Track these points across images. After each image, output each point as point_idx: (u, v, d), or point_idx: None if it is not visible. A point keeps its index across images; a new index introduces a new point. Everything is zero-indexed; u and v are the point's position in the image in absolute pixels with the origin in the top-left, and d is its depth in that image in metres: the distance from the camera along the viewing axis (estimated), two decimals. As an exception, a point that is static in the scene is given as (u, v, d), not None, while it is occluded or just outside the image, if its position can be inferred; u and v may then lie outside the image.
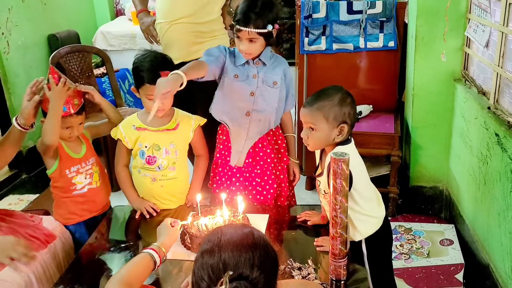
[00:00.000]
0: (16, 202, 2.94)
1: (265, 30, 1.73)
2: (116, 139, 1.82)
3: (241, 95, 1.85)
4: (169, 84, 1.50)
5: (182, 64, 2.11)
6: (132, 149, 1.81)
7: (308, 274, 1.36)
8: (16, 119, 1.67)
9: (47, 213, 1.96)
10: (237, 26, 1.74)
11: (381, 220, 1.57)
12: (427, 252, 2.24)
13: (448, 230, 2.39)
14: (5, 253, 1.40)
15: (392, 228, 2.37)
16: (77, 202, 1.78)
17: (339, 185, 1.25)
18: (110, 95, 3.46)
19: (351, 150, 1.50)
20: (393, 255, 2.23)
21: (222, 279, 0.85)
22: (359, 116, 2.57)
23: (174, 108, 1.83)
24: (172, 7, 2.24)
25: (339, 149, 1.46)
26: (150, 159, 1.78)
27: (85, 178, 1.77)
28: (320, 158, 1.58)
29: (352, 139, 1.54)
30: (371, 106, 2.66)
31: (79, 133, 1.76)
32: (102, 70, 3.53)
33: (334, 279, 1.33)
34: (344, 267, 1.32)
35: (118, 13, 4.32)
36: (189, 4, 2.20)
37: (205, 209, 1.65)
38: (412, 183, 2.66)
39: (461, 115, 2.34)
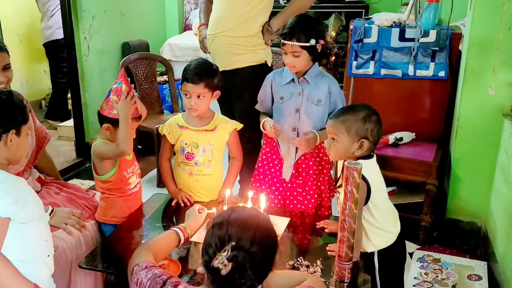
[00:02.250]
0: (79, 185, 3.24)
1: (307, 44, 1.86)
2: (162, 135, 2.01)
3: (287, 112, 2.00)
4: None
5: (223, 72, 2.31)
6: (174, 145, 1.99)
7: (314, 272, 1.44)
8: None
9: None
10: (282, 40, 1.89)
11: (395, 236, 1.61)
12: (452, 284, 2.19)
13: (479, 267, 2.32)
14: (62, 220, 1.74)
15: (420, 256, 2.39)
16: (128, 200, 1.89)
17: (349, 191, 1.33)
18: (169, 101, 3.74)
19: (372, 165, 1.58)
20: (416, 281, 2.21)
21: (226, 247, 1.01)
22: (399, 142, 2.59)
23: (215, 112, 2.01)
24: (216, 22, 2.48)
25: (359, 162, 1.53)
26: (189, 155, 1.94)
27: (136, 178, 1.91)
28: (342, 170, 1.66)
29: (374, 155, 1.60)
30: (413, 133, 2.66)
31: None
32: (164, 78, 3.82)
33: (338, 280, 1.39)
34: (349, 270, 1.38)
35: (186, 27, 4.62)
36: (229, 20, 2.42)
37: (231, 202, 1.78)
38: (448, 215, 2.61)
39: (505, 150, 2.30)
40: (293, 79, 1.97)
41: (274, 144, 2.09)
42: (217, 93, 1.94)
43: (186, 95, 1.88)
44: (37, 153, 1.99)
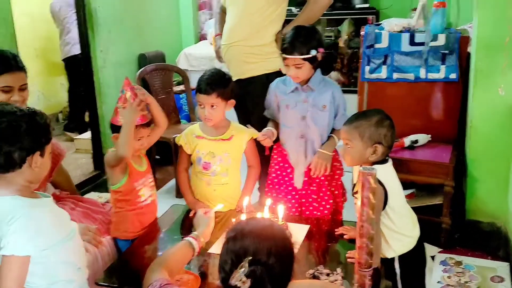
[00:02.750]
0: (96, 198, 3.27)
1: (309, 56, 1.90)
2: (179, 145, 2.04)
3: (293, 119, 2.03)
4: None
5: (238, 80, 2.36)
6: (191, 155, 2.01)
7: (335, 280, 1.45)
8: None
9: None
10: (283, 55, 1.93)
11: (415, 240, 1.61)
12: (476, 287, 2.18)
13: (502, 268, 2.30)
14: None
15: (442, 259, 2.38)
16: (140, 213, 1.86)
17: (366, 197, 1.34)
18: (186, 110, 3.79)
19: (387, 169, 1.59)
20: (439, 285, 2.20)
21: (242, 263, 0.99)
22: (415, 145, 2.59)
23: (231, 121, 2.03)
24: (230, 32, 2.53)
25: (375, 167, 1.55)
26: (206, 165, 1.97)
27: (148, 190, 1.88)
28: (358, 177, 1.67)
29: (389, 159, 1.62)
30: (429, 135, 2.65)
31: (148, 144, 1.87)
32: (181, 87, 3.86)
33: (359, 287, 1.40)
34: (369, 277, 1.39)
35: (201, 37, 4.65)
36: (242, 30, 2.46)
37: (249, 211, 1.80)
38: (468, 217, 2.59)
39: (521, 151, 2.28)
40: (297, 87, 2.01)
41: (285, 152, 2.11)
42: (232, 102, 1.96)
43: (201, 105, 1.91)
44: (52, 170, 1.93)
